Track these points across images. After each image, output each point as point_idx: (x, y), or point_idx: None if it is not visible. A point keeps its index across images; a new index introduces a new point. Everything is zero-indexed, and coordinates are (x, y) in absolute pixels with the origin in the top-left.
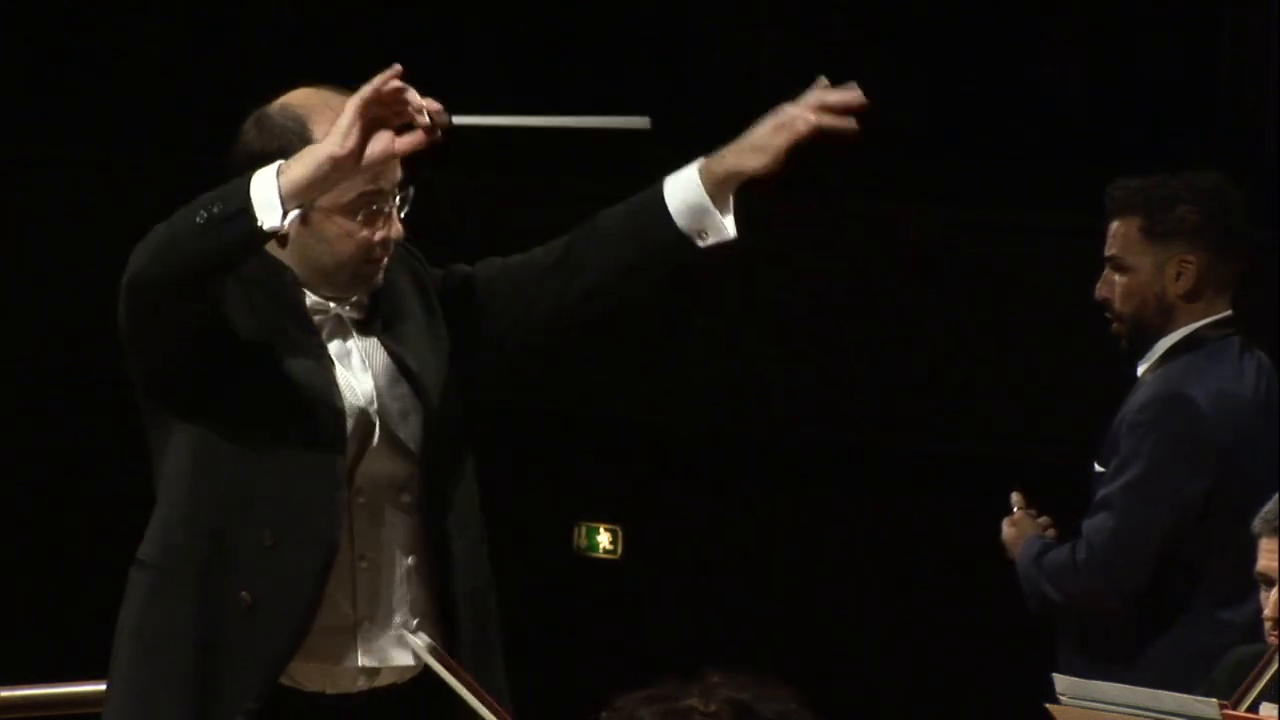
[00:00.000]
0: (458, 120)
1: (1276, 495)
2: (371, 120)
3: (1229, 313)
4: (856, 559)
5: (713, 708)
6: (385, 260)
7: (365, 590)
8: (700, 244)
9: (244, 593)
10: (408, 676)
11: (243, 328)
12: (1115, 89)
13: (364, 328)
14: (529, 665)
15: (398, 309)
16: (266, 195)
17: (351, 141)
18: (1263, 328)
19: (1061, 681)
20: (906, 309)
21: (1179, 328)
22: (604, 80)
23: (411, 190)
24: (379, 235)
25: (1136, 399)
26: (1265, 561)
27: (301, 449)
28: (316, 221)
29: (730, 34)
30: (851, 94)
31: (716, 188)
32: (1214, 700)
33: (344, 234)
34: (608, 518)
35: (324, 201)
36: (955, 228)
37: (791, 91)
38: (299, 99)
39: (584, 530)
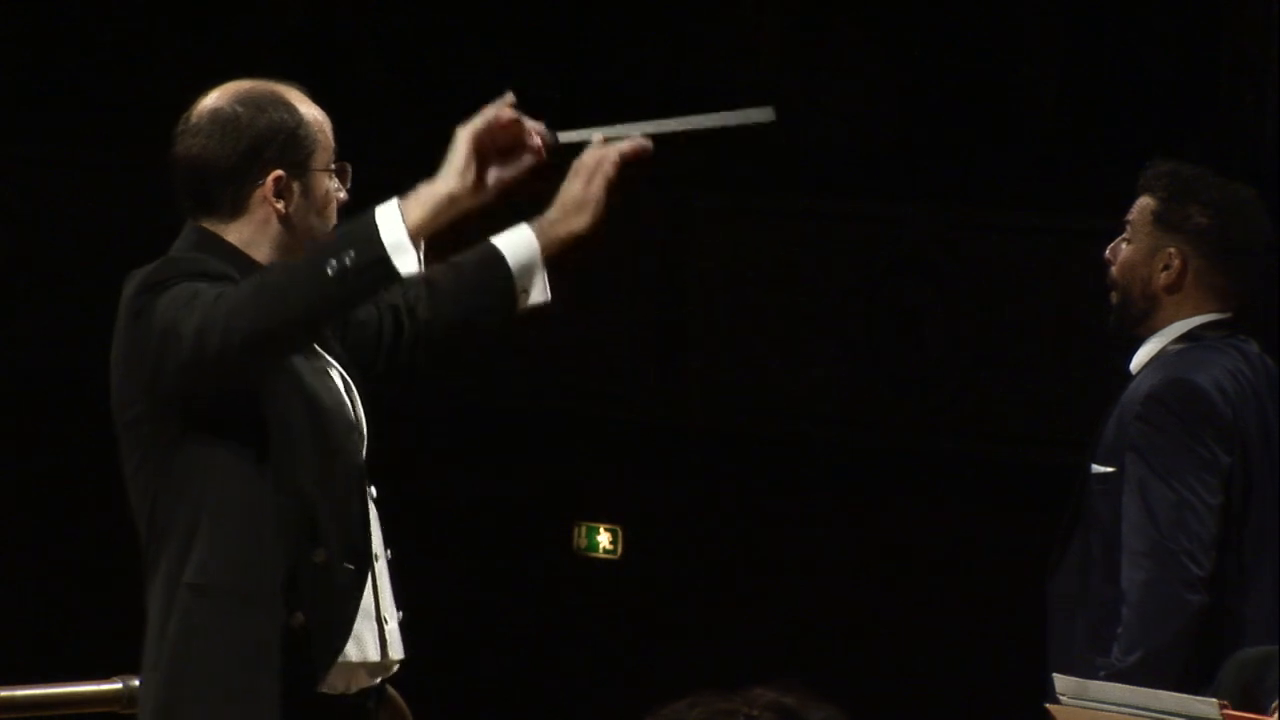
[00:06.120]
0: (564, 137)
1: None
2: (483, 149)
3: (1228, 314)
4: (856, 559)
5: (756, 712)
6: None
7: (383, 588)
8: (520, 305)
9: (298, 613)
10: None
11: None
12: (1115, 90)
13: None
14: (528, 665)
15: None
16: (398, 240)
17: (469, 177)
18: (1263, 328)
19: (1061, 681)
20: (906, 309)
21: (1167, 323)
22: (603, 80)
23: (349, 166)
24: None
25: (1138, 390)
26: None
27: (331, 459)
28: (314, 185)
29: (730, 33)
30: (638, 143)
31: (547, 249)
32: (1214, 700)
33: (329, 196)
34: (608, 518)
35: (318, 164)
36: (955, 228)
37: (791, 91)
38: (235, 90)
39: (584, 530)
